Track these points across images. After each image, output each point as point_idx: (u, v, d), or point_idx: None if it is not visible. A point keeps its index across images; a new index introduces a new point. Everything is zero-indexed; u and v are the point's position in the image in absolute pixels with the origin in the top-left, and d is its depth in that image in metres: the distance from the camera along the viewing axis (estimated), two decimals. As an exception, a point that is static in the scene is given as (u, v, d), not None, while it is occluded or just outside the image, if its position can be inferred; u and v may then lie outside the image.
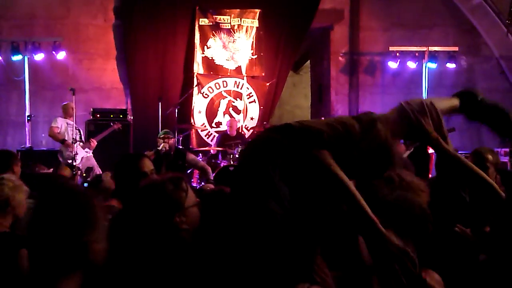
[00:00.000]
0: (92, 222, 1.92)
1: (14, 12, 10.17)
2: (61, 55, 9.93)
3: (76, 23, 10.44)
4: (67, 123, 8.89)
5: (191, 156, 8.14)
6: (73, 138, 8.54)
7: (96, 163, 8.79)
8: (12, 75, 10.01)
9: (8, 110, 10.33)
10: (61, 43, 9.92)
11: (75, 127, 8.80)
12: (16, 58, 9.77)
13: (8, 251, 2.99)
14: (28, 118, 9.82)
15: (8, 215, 3.33)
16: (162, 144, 7.82)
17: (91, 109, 9.58)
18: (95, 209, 1.97)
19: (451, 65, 10.49)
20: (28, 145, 9.67)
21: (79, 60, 10.47)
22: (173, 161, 7.72)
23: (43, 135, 10.06)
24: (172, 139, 8.04)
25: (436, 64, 10.41)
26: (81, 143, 8.82)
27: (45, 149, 9.63)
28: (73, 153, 8.41)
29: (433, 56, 10.35)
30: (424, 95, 10.39)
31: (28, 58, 9.84)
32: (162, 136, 7.94)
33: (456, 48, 10.52)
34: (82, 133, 9.12)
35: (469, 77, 11.03)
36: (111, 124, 9.25)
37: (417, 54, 10.37)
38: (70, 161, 8.37)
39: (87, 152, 8.86)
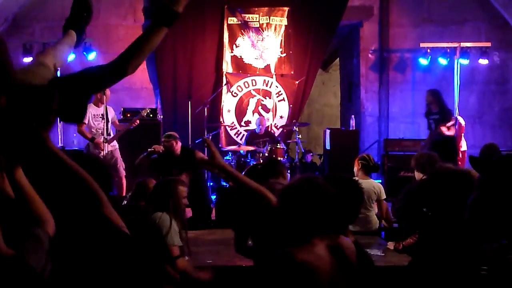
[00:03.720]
0: None
1: (45, 13, 10.32)
2: (91, 56, 10.05)
3: (106, 24, 10.55)
4: (94, 115, 8.56)
5: (200, 154, 7.76)
6: (104, 138, 8.36)
7: (120, 156, 8.68)
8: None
9: (40, 110, 10.49)
10: (92, 44, 10.03)
11: (103, 116, 8.49)
12: (48, 59, 9.90)
13: None
14: (60, 118, 9.96)
15: None
16: (154, 146, 7.78)
17: (122, 109, 9.66)
18: None
19: (483, 61, 10.30)
20: (60, 144, 9.79)
21: (109, 61, 10.56)
22: (180, 162, 7.52)
23: (74, 134, 10.18)
24: (172, 141, 7.67)
25: (468, 60, 10.22)
26: (108, 137, 8.52)
27: (76, 148, 9.75)
28: (103, 152, 8.27)
29: (465, 52, 10.15)
30: (456, 92, 10.24)
31: (59, 59, 9.97)
32: (163, 139, 7.81)
33: (488, 44, 10.31)
34: (110, 122, 8.69)
35: (502, 73, 10.85)
36: (138, 115, 8.84)
37: (448, 50, 10.20)
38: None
39: (113, 146, 8.64)
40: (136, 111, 9.48)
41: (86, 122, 8.51)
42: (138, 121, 8.68)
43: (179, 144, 7.76)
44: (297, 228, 2.44)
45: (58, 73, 2.52)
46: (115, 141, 8.69)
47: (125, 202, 5.73)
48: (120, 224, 1.96)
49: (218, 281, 5.15)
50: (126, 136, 8.81)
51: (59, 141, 9.91)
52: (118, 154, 8.71)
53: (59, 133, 9.98)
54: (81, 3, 2.99)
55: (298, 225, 2.44)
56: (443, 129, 8.59)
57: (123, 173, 8.67)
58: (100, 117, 8.54)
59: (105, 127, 8.50)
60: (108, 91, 8.68)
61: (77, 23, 3.09)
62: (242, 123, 10.60)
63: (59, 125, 9.97)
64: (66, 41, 3.03)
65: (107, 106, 8.66)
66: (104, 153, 8.37)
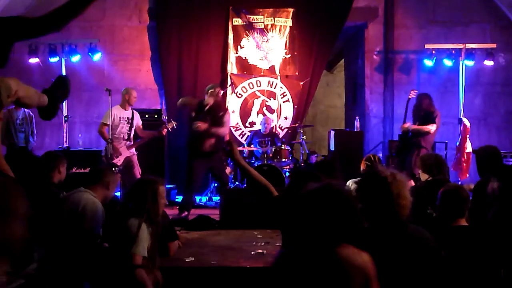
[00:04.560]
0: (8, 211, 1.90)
1: (51, 14, 10.33)
2: (97, 57, 10.08)
3: (112, 25, 10.58)
4: (120, 117, 8.16)
5: (228, 116, 8.48)
6: (122, 136, 8.11)
7: (137, 162, 8.34)
8: (50, 76, 10.09)
9: (46, 111, 10.52)
10: (97, 45, 10.07)
11: (128, 120, 8.24)
12: (54, 60, 9.95)
13: None
14: (65, 119, 9.99)
15: None
16: (208, 98, 8.13)
17: (127, 110, 9.67)
18: (12, 197, 1.95)
19: (489, 63, 10.27)
20: (65, 145, 9.82)
21: (114, 62, 10.61)
22: (216, 112, 8.21)
23: (79, 135, 10.22)
24: (218, 89, 8.36)
25: (474, 62, 10.19)
26: (128, 142, 8.25)
27: (81, 149, 9.78)
28: (117, 155, 8.02)
29: (470, 54, 10.13)
30: (461, 94, 10.22)
31: (65, 60, 10.00)
32: (210, 90, 8.20)
33: (494, 45, 10.28)
34: (134, 127, 8.37)
35: (508, 75, 10.81)
36: (164, 125, 8.51)
37: (453, 51, 10.18)
38: (112, 161, 7.94)
39: (131, 152, 8.30)
40: (141, 112, 9.47)
41: (110, 123, 8.11)
42: (165, 131, 8.45)
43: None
44: (302, 231, 2.51)
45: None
46: (133, 148, 8.36)
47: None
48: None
49: (223, 282, 5.16)
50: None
51: (64, 142, 9.94)
52: (135, 159, 8.35)
53: (65, 133, 10.01)
54: (62, 83, 3.50)
55: (304, 228, 2.51)
56: (407, 125, 8.35)
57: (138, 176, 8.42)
58: (125, 121, 8.24)
59: (127, 132, 8.25)
60: (134, 92, 8.43)
61: (52, 95, 3.48)
62: (247, 124, 10.61)
63: (65, 126, 10.01)
64: (39, 96, 3.40)
65: (134, 111, 8.42)
66: (122, 155, 8.11)
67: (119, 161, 8.04)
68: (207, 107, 8.07)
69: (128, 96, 8.30)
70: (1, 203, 1.90)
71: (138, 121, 8.50)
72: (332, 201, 2.48)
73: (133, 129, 8.37)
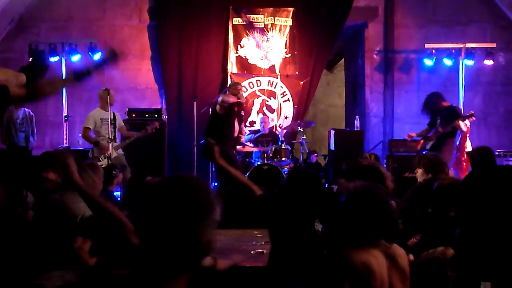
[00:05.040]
0: (206, 215, 1.76)
1: (51, 14, 10.36)
2: (97, 56, 10.07)
3: (112, 24, 10.58)
4: (101, 118, 8.27)
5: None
6: (108, 138, 8.09)
7: (126, 162, 8.32)
8: (50, 76, 10.17)
9: (46, 110, 10.53)
10: (97, 44, 10.07)
11: (111, 121, 8.22)
12: (54, 59, 9.94)
13: None
14: (65, 118, 9.99)
15: None
16: (239, 95, 8.83)
17: (127, 109, 9.67)
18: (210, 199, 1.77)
19: (488, 62, 10.27)
20: (65, 144, 9.83)
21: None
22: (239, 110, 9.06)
23: (79, 134, 10.21)
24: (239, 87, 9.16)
25: (473, 61, 10.21)
26: (114, 144, 8.24)
27: (81, 148, 9.77)
28: (107, 154, 7.99)
29: (470, 53, 10.14)
30: (461, 93, 10.23)
31: (65, 59, 10.00)
32: (234, 87, 8.97)
33: (493, 45, 10.29)
34: (116, 126, 8.40)
35: (507, 74, 10.82)
36: (148, 125, 8.49)
37: (453, 51, 10.18)
38: (101, 160, 7.90)
39: (118, 152, 8.31)
40: (141, 111, 9.49)
41: (92, 127, 8.22)
42: (149, 131, 8.43)
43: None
44: (356, 232, 2.52)
45: None
46: (120, 148, 8.37)
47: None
48: None
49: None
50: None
51: (65, 141, 9.95)
52: (124, 159, 8.34)
53: (65, 132, 10.01)
54: (38, 64, 3.85)
55: (357, 229, 2.52)
56: (461, 123, 8.23)
57: (128, 176, 8.43)
58: (108, 122, 8.22)
59: (112, 133, 8.20)
60: (112, 92, 8.45)
61: (30, 72, 3.71)
62: (247, 124, 10.61)
63: (65, 125, 10.02)
64: (17, 75, 3.61)
65: (115, 112, 8.46)
66: (110, 155, 8.06)
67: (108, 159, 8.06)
68: (239, 107, 8.89)
69: (107, 96, 8.28)
70: (199, 203, 1.70)
71: (120, 121, 8.61)
72: (383, 201, 2.55)
73: (116, 129, 8.41)
